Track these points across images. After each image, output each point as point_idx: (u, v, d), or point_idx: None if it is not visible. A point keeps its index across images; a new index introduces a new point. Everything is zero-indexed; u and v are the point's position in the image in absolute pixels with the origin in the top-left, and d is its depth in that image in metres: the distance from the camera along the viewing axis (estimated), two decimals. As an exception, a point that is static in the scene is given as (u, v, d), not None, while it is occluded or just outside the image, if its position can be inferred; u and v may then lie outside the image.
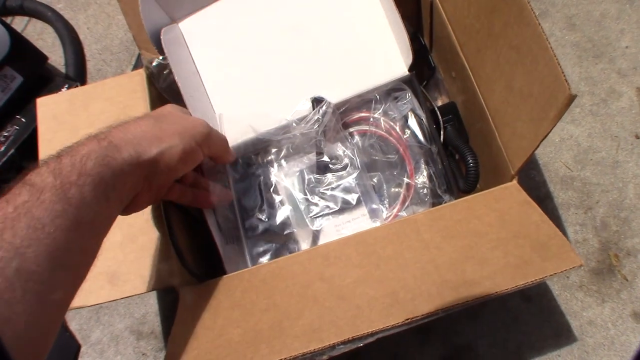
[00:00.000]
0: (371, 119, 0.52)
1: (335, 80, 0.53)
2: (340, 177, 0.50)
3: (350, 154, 0.50)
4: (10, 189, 0.28)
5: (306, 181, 0.50)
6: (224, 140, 0.45)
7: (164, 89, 0.54)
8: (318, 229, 0.50)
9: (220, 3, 0.55)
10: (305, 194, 0.50)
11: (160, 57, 0.53)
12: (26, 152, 0.64)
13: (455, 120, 0.56)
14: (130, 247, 0.46)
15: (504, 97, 0.46)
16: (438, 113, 0.51)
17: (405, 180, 0.50)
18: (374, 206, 0.50)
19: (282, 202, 0.51)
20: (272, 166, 0.52)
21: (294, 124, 0.50)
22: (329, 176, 0.50)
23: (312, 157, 0.51)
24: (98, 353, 0.65)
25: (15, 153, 0.63)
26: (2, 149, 0.62)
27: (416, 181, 0.50)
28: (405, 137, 0.51)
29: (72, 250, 0.29)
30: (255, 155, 0.53)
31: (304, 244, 0.50)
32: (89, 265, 0.32)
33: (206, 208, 0.48)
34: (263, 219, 0.50)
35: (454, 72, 0.56)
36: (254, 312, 0.40)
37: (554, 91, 0.37)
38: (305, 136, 0.50)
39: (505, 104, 0.46)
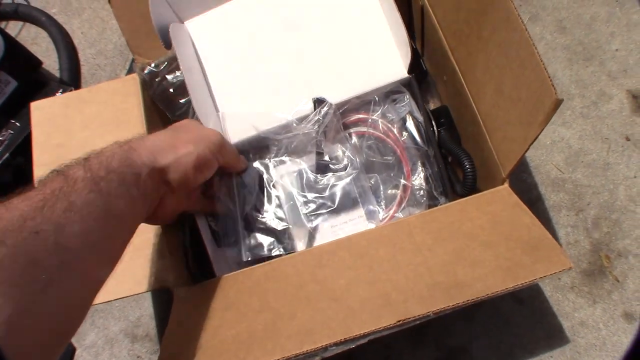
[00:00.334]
0: (369, 121, 0.52)
1: (335, 81, 0.54)
2: (339, 178, 0.51)
3: (350, 155, 0.51)
4: (45, 178, 0.32)
5: (305, 180, 0.51)
6: (234, 150, 0.48)
7: (156, 97, 0.55)
8: (313, 226, 0.50)
9: (226, 5, 0.56)
10: (304, 192, 0.51)
11: (152, 65, 0.53)
12: (21, 156, 0.64)
13: (448, 124, 0.56)
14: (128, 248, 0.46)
15: (495, 101, 0.46)
16: (431, 117, 0.52)
17: (402, 181, 0.51)
18: (371, 207, 0.50)
19: (279, 200, 0.51)
20: (272, 164, 0.52)
21: (295, 124, 0.51)
22: (328, 176, 0.51)
23: (312, 156, 0.51)
24: (93, 356, 0.65)
25: (9, 157, 0.63)
26: (-3, 153, 0.63)
27: (413, 183, 0.51)
28: (402, 139, 0.52)
29: (103, 237, 0.32)
30: (255, 153, 0.53)
31: (300, 243, 0.50)
32: (116, 258, 0.35)
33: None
34: (261, 215, 0.51)
35: (445, 76, 0.56)
36: (248, 313, 0.41)
37: (541, 96, 0.38)
38: (306, 136, 0.50)
39: (495, 107, 0.46)
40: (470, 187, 0.50)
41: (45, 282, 0.28)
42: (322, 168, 0.51)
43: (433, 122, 0.52)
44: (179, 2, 0.54)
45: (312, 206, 0.50)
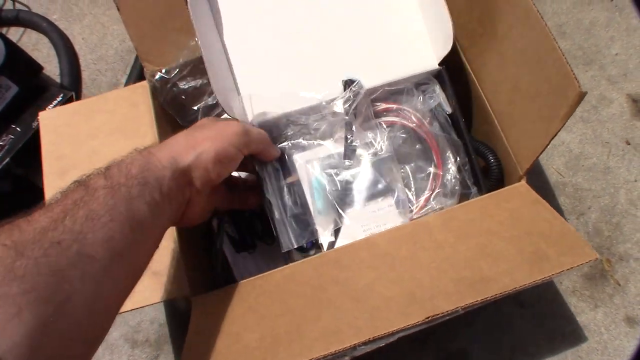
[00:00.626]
0: (400, 110, 0.51)
1: (365, 67, 0.51)
2: (370, 165, 0.48)
3: (381, 142, 0.49)
4: (66, 189, 0.32)
5: (333, 166, 0.48)
6: (264, 136, 0.45)
7: (167, 103, 0.54)
8: (342, 216, 0.48)
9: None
10: (331, 179, 0.48)
11: (163, 71, 0.53)
12: (21, 161, 0.62)
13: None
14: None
15: (510, 99, 0.46)
16: (458, 110, 0.51)
17: (432, 170, 0.49)
18: (402, 196, 0.48)
19: (303, 185, 0.48)
20: (298, 148, 0.49)
21: (324, 103, 0.49)
22: (358, 162, 0.48)
23: (341, 141, 0.49)
24: (93, 364, 0.63)
25: (10, 162, 0.61)
26: (-3, 158, 0.61)
27: (445, 172, 0.49)
28: (432, 129, 0.50)
29: (127, 244, 0.31)
30: (279, 135, 0.50)
31: (326, 233, 0.47)
32: (143, 265, 0.34)
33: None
34: (286, 201, 0.48)
35: (455, 77, 0.57)
36: (270, 317, 0.40)
37: (564, 89, 0.38)
38: (335, 117, 0.48)
39: (511, 105, 0.46)
40: (496, 179, 0.49)
41: (70, 292, 0.27)
42: (351, 154, 0.49)
43: (460, 116, 0.51)
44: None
45: (341, 194, 0.48)
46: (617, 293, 0.61)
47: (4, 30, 0.79)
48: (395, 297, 0.38)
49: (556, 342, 0.59)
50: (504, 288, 0.36)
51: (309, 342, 0.36)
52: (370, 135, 0.49)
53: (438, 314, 0.36)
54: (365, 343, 0.35)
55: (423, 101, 0.51)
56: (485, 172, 0.51)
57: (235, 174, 0.51)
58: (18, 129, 0.64)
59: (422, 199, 0.49)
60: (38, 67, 0.69)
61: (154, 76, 0.53)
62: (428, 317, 0.36)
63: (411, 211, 0.48)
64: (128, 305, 0.43)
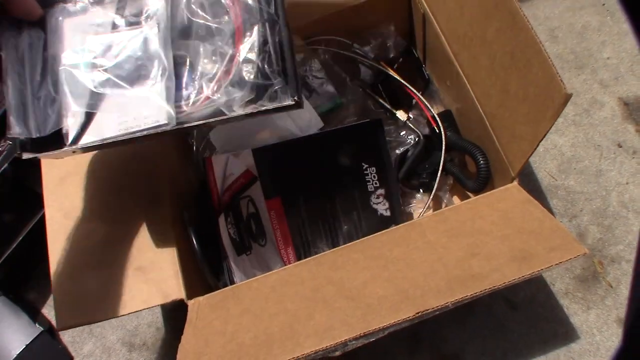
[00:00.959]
0: None
1: None
2: (132, 37, 0.38)
3: (157, 8, 0.38)
4: None
5: (87, 37, 0.38)
6: None
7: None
8: (94, 103, 0.38)
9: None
10: (85, 54, 0.38)
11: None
12: (20, 166, 0.63)
13: (452, 127, 0.57)
14: (138, 261, 0.46)
15: (501, 101, 0.47)
16: (438, 119, 0.53)
17: (228, 50, 0.37)
18: (170, 84, 0.37)
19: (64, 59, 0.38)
20: (65, 12, 0.39)
21: None
22: (115, 36, 0.38)
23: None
24: (90, 366, 0.64)
25: (8, 168, 0.62)
26: (-4, 163, 0.62)
27: (241, 54, 0.37)
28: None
29: None
30: None
31: (72, 120, 0.37)
32: None
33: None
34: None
35: (448, 81, 0.58)
36: (264, 317, 0.40)
37: (550, 92, 0.39)
38: None
39: (502, 108, 0.47)
40: (483, 181, 0.50)
41: None
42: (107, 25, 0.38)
43: (440, 122, 0.52)
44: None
45: (97, 76, 0.37)
46: (609, 295, 0.62)
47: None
48: (388, 296, 0.39)
49: (549, 344, 0.60)
50: (493, 283, 0.37)
51: (302, 339, 0.37)
52: None
53: (428, 309, 0.36)
54: (356, 338, 0.36)
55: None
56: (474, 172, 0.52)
57: None
58: (17, 134, 0.64)
59: (207, 90, 0.37)
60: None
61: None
62: (418, 313, 0.36)
63: (187, 103, 0.37)
64: (125, 309, 0.44)
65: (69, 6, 0.39)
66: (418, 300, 0.37)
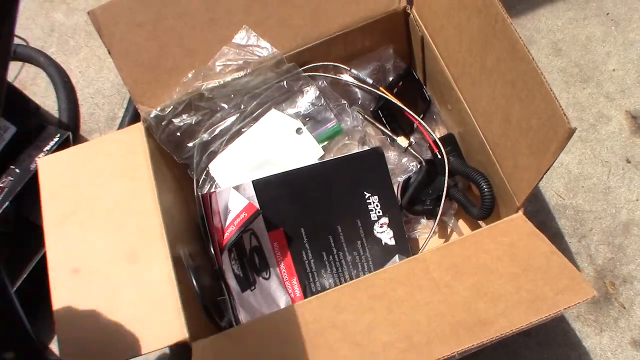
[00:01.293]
0: None
1: None
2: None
3: None
4: None
5: None
6: None
7: (163, 140, 0.54)
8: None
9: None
10: None
11: (158, 109, 0.53)
12: (22, 203, 0.63)
13: (455, 151, 0.56)
14: (142, 303, 0.45)
15: (503, 130, 0.46)
16: (440, 144, 0.51)
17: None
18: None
19: None
20: None
21: None
22: None
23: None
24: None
25: (10, 205, 0.62)
26: (-2, 200, 0.62)
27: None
28: None
29: None
30: None
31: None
32: None
33: None
34: None
35: (449, 105, 0.56)
36: (266, 363, 0.39)
37: (553, 125, 0.38)
38: None
39: (504, 137, 0.46)
40: (488, 209, 0.49)
41: None
42: None
43: (442, 148, 0.51)
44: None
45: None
46: (622, 316, 0.60)
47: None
48: (393, 342, 0.38)
49: (563, 369, 0.59)
50: (500, 331, 0.36)
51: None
52: None
53: (435, 360, 0.36)
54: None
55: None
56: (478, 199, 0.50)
57: None
58: (17, 170, 0.64)
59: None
60: (35, 107, 0.70)
61: (149, 115, 0.53)
62: (425, 364, 0.35)
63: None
64: (130, 352, 0.43)
65: None
66: (424, 349, 0.36)
